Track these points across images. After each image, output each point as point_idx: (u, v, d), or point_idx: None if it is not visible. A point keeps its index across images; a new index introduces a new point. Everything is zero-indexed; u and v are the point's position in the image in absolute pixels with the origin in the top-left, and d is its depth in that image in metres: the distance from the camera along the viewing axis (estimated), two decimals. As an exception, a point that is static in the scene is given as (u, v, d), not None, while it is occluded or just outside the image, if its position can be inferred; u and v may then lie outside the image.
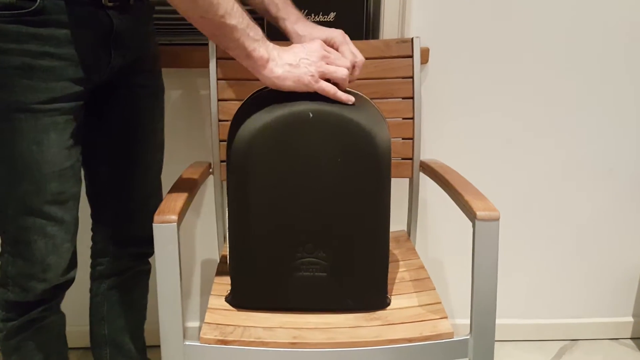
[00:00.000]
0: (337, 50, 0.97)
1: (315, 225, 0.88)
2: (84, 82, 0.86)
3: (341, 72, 0.85)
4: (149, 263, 1.16)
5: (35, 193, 0.84)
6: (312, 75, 0.83)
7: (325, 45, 0.87)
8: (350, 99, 0.85)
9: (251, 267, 0.91)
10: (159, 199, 1.10)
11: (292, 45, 0.87)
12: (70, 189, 0.88)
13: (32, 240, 0.87)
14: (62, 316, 1.00)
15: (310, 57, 0.84)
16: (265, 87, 0.89)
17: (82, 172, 1.03)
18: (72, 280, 0.95)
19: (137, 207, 1.07)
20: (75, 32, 0.82)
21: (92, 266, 1.13)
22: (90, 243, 1.11)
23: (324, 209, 0.87)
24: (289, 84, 0.83)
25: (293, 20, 0.99)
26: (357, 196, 0.87)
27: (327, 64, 0.85)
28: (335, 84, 0.86)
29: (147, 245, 1.11)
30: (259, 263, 0.90)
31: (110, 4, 0.86)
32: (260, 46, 0.82)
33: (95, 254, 1.12)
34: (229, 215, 0.90)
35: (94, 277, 1.13)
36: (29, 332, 0.94)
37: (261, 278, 0.91)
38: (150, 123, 1.05)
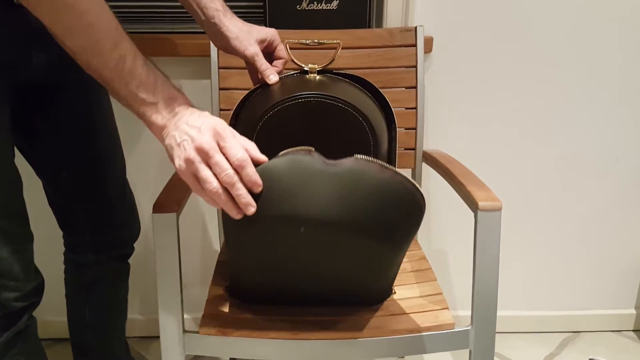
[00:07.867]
0: (274, 49, 0.92)
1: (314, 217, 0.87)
2: (6, 81, 0.79)
3: (208, 186, 0.68)
4: (128, 263, 1.11)
5: None
6: (180, 167, 0.69)
7: (219, 135, 0.68)
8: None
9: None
10: (130, 196, 1.06)
11: (192, 115, 0.70)
12: (19, 192, 0.82)
13: None
14: (35, 320, 0.91)
15: (190, 144, 0.67)
16: (265, 84, 0.89)
17: (41, 183, 0.97)
18: (43, 282, 0.88)
19: (111, 209, 1.01)
20: None
21: (68, 272, 1.07)
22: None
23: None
24: (169, 155, 0.71)
25: (229, 16, 0.90)
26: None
27: (206, 162, 0.68)
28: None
29: (128, 246, 1.08)
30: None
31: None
32: (155, 112, 0.69)
33: (70, 263, 1.06)
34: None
35: (72, 285, 1.07)
36: (18, 347, 0.85)
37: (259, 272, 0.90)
38: (101, 117, 0.97)
